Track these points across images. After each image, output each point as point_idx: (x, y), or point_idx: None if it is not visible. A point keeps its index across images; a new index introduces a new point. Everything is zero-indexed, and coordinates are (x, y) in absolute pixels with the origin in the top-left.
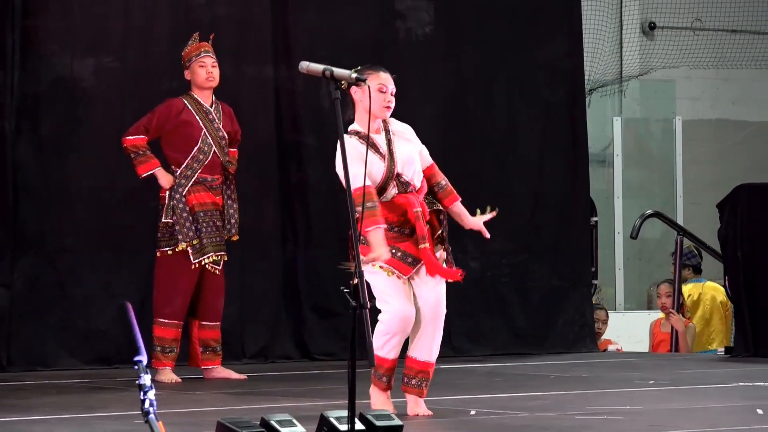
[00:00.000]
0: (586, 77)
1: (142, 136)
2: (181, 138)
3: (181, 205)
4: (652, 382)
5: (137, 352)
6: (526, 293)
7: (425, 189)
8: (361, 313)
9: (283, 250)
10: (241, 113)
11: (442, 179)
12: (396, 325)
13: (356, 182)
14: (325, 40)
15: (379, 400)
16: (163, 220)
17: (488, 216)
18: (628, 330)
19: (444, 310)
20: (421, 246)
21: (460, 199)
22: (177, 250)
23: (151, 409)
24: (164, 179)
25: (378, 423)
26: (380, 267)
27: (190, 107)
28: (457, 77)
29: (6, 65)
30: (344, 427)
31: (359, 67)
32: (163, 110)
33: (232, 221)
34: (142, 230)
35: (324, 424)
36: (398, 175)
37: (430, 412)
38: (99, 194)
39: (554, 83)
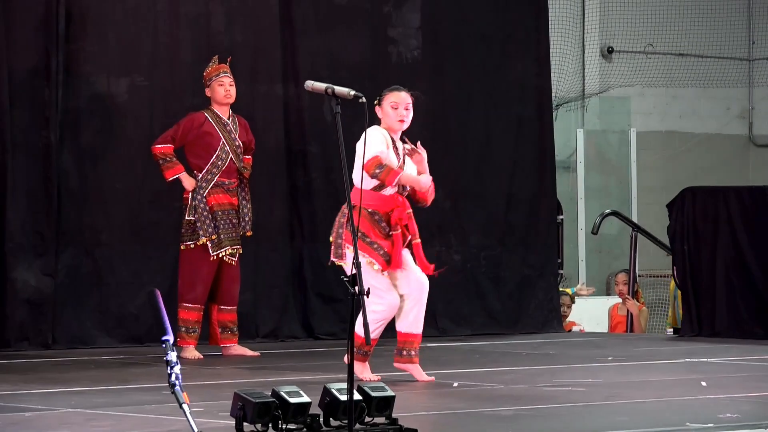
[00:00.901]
0: (552, 94)
1: (168, 145)
2: (202, 147)
3: (202, 205)
4: (610, 358)
5: (164, 333)
6: (500, 282)
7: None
8: (359, 298)
9: (291, 243)
10: (255, 125)
11: None
12: (389, 314)
13: (378, 150)
14: (327, 62)
15: (361, 369)
16: (186, 218)
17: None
18: (589, 313)
19: (427, 288)
20: (415, 241)
21: None
22: (198, 244)
23: (177, 381)
24: (187, 182)
25: (373, 393)
26: (368, 263)
27: (210, 120)
28: (440, 94)
29: (51, 84)
30: (344, 397)
31: (382, 92)
32: (186, 123)
33: (246, 219)
34: (167, 227)
35: (326, 394)
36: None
37: (431, 378)
38: (130, 195)
39: (525, 99)
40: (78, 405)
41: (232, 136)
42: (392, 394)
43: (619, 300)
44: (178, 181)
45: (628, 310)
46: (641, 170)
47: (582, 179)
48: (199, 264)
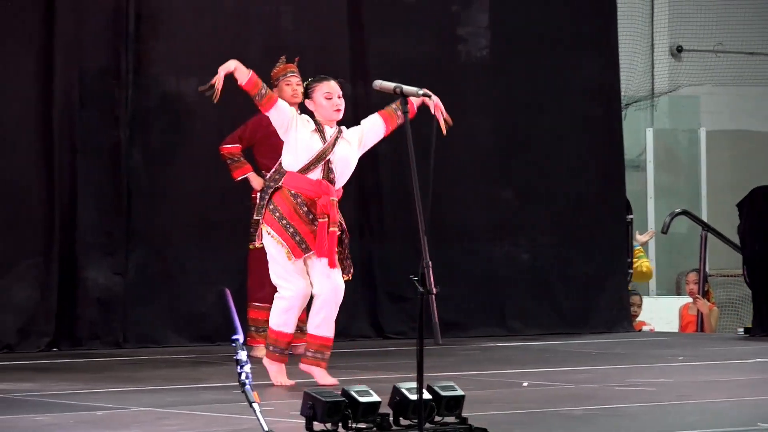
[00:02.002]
0: (621, 94)
1: (236, 145)
2: (270, 147)
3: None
4: (680, 358)
5: (234, 332)
6: (570, 281)
7: (340, 196)
8: (427, 298)
9: (360, 243)
10: None
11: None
12: (300, 302)
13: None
14: (396, 61)
15: (278, 374)
16: (255, 218)
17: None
18: (659, 313)
19: (342, 294)
20: (331, 229)
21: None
22: None
23: (246, 380)
24: (256, 182)
25: (443, 393)
26: (281, 244)
27: None
28: (508, 94)
29: (121, 84)
30: (414, 396)
31: (310, 79)
32: (254, 123)
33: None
34: (236, 226)
35: (396, 394)
36: (328, 161)
37: (336, 381)
38: (199, 195)
39: (593, 98)
40: (149, 404)
41: None
42: (462, 393)
43: (690, 299)
44: (246, 180)
45: (698, 310)
46: (711, 169)
47: (651, 178)
48: (268, 263)
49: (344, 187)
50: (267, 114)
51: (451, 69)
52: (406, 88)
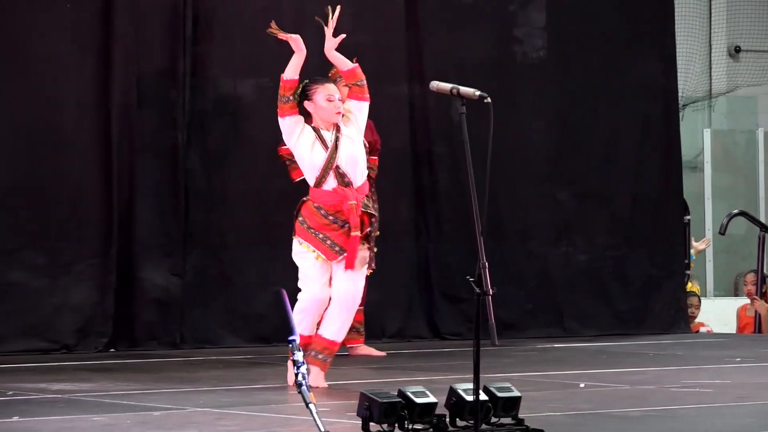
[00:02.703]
0: (679, 94)
1: None
2: None
3: None
4: (738, 359)
5: (291, 333)
6: (627, 282)
7: (366, 190)
8: (484, 299)
9: (417, 243)
10: (380, 126)
11: None
12: (312, 307)
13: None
14: (452, 62)
15: (314, 377)
16: None
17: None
18: (717, 314)
19: (358, 300)
20: (353, 234)
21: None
22: None
23: (303, 381)
24: None
25: (500, 394)
26: (312, 250)
27: None
28: (565, 94)
29: (178, 86)
30: (470, 397)
31: (306, 81)
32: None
33: (373, 219)
34: (293, 227)
35: (453, 395)
36: (337, 167)
37: (327, 384)
38: (256, 196)
39: (651, 99)
40: (206, 404)
41: None
42: (518, 394)
43: (748, 301)
44: (303, 181)
45: (756, 311)
46: None
47: (709, 179)
48: None
49: (399, 186)
50: (280, 118)
51: (507, 70)
52: (463, 89)
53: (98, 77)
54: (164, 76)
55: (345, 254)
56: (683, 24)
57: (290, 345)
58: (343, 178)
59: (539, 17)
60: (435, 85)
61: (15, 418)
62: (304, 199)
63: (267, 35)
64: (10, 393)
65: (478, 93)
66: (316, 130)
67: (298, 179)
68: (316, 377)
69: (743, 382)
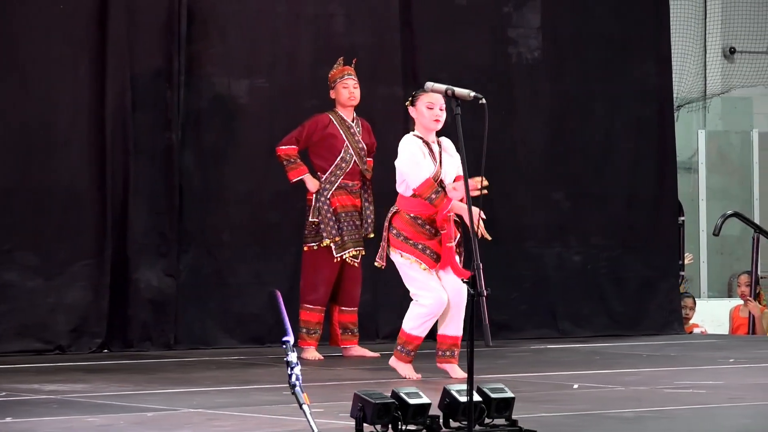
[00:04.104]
0: (674, 95)
1: (293, 146)
2: (326, 149)
3: (326, 207)
4: (732, 360)
5: (285, 333)
6: (621, 283)
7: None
8: (478, 300)
9: None
10: (375, 127)
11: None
12: (438, 308)
13: (423, 175)
14: (447, 64)
15: (406, 370)
16: (310, 220)
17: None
18: (711, 315)
19: (466, 295)
20: (449, 244)
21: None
22: (322, 245)
23: (297, 382)
24: (311, 184)
25: (493, 395)
26: (414, 262)
27: (334, 122)
28: (560, 95)
29: (173, 85)
30: (464, 398)
31: (414, 93)
32: (311, 124)
33: (369, 221)
34: (288, 228)
35: (446, 395)
36: (441, 182)
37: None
38: (251, 196)
39: (646, 100)
40: (200, 405)
41: (356, 138)
42: (512, 395)
43: (741, 302)
44: (300, 182)
45: (750, 312)
46: (763, 171)
47: (703, 180)
48: (321, 265)
49: (394, 188)
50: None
51: (502, 71)
52: (458, 90)
53: (93, 77)
54: (159, 76)
55: (440, 262)
56: (678, 25)
57: (284, 345)
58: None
59: (534, 18)
60: (430, 86)
61: (8, 419)
62: (394, 210)
63: (262, 35)
64: (4, 394)
65: (472, 94)
66: (423, 141)
67: (295, 180)
68: (455, 371)
69: (737, 383)
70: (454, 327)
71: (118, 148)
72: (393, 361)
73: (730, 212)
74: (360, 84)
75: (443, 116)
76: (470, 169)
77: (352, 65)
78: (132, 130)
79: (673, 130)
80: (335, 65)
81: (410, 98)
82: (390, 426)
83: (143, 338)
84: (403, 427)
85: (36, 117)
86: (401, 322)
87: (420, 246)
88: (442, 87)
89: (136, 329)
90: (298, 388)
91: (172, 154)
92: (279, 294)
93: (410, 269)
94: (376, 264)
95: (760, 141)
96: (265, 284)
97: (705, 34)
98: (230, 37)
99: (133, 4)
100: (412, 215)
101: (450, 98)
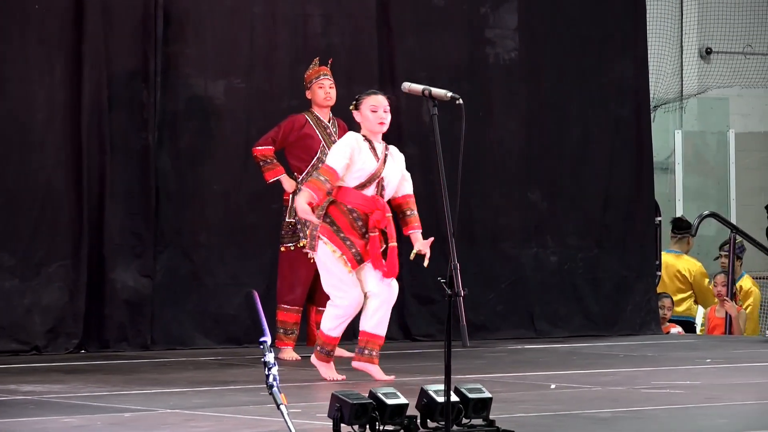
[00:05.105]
0: (650, 95)
1: (269, 147)
2: (302, 149)
3: None
4: (708, 360)
5: (262, 334)
6: (598, 283)
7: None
8: (455, 300)
9: (388, 245)
10: (352, 127)
11: (413, 210)
12: (352, 310)
13: (334, 164)
14: (424, 64)
15: (327, 371)
16: (287, 220)
17: (429, 241)
18: None
19: (396, 295)
20: (391, 244)
21: (420, 231)
22: (299, 246)
23: (274, 383)
24: (288, 184)
25: (470, 395)
26: (339, 257)
27: (311, 122)
28: (537, 96)
29: (149, 86)
30: (441, 398)
31: (357, 97)
32: (287, 125)
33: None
34: (265, 228)
35: (424, 396)
36: (381, 179)
37: (393, 378)
38: (228, 197)
39: (622, 100)
40: (177, 406)
41: (333, 138)
42: (489, 395)
43: (717, 302)
44: (277, 182)
45: (726, 312)
46: (740, 172)
47: (680, 181)
48: (298, 266)
49: None
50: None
51: (479, 71)
52: (435, 90)
53: (69, 77)
54: (135, 77)
55: (365, 263)
56: (655, 26)
57: (262, 346)
58: (381, 190)
59: (511, 19)
60: (407, 86)
61: None
62: (331, 200)
63: (238, 36)
64: None
65: (450, 94)
66: (367, 140)
67: (272, 180)
68: (378, 373)
69: (713, 383)
70: (376, 324)
71: (94, 148)
72: (314, 360)
73: (706, 212)
74: (337, 84)
75: (388, 118)
76: (447, 169)
77: (328, 65)
78: (108, 130)
79: (649, 131)
80: (311, 65)
81: (354, 102)
82: (367, 426)
83: (120, 339)
84: (381, 428)
85: (11, 116)
86: None
87: (348, 242)
88: (419, 87)
89: (112, 330)
90: (275, 389)
91: (149, 155)
92: (256, 294)
93: (332, 263)
94: (308, 254)
95: (737, 141)
96: (242, 285)
97: (681, 34)
98: (206, 37)
99: (109, 4)
100: (348, 207)
101: (427, 98)
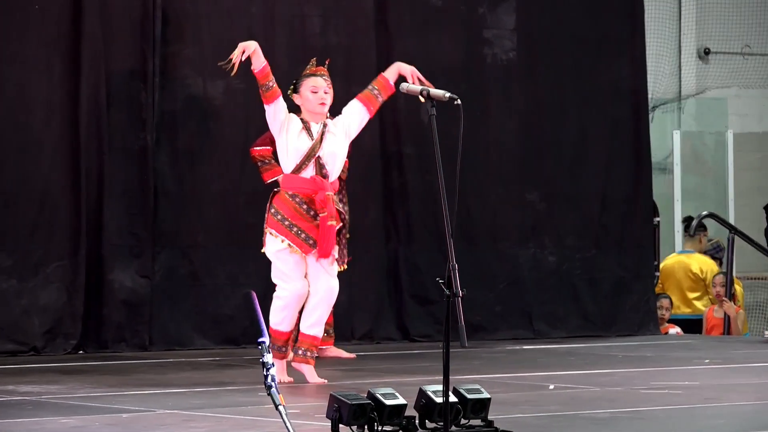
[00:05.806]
0: (648, 96)
1: (267, 147)
2: None
3: None
4: (707, 361)
5: (260, 334)
6: (596, 284)
7: (336, 188)
8: (453, 300)
9: (386, 246)
10: None
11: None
12: (294, 301)
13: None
14: (422, 64)
15: (277, 370)
16: None
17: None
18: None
19: (336, 294)
20: (330, 223)
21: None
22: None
23: (273, 383)
24: None
25: (469, 396)
26: (288, 245)
27: None
28: (534, 96)
29: (148, 87)
30: (440, 399)
31: (295, 81)
32: None
33: (343, 217)
34: (263, 228)
35: (422, 396)
36: (318, 158)
37: (325, 381)
38: (226, 197)
39: (620, 101)
40: (175, 406)
41: None
42: (488, 396)
43: (716, 302)
44: (276, 183)
45: (725, 313)
46: (738, 172)
47: (678, 181)
48: None
49: (368, 188)
50: (267, 106)
51: (477, 71)
52: (433, 90)
53: (67, 77)
54: (134, 77)
55: (317, 247)
56: (653, 26)
57: (260, 346)
58: (321, 169)
59: (509, 19)
60: (405, 86)
61: None
62: (276, 190)
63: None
64: None
65: (448, 95)
66: (304, 121)
67: (270, 180)
68: (311, 374)
69: (712, 384)
70: (311, 324)
71: (93, 148)
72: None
73: (705, 213)
74: (334, 84)
75: (329, 99)
76: (445, 170)
77: (326, 66)
78: (106, 130)
79: (647, 131)
80: (308, 66)
81: (292, 86)
82: (366, 427)
83: (118, 339)
84: (379, 428)
85: (10, 116)
86: (377, 322)
87: (295, 229)
88: (417, 88)
89: (110, 330)
90: (274, 389)
91: (147, 155)
92: (254, 295)
93: (278, 254)
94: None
95: (735, 141)
96: (240, 285)
97: (680, 34)
98: (205, 38)
99: (107, 4)
100: (290, 193)
101: (425, 99)
